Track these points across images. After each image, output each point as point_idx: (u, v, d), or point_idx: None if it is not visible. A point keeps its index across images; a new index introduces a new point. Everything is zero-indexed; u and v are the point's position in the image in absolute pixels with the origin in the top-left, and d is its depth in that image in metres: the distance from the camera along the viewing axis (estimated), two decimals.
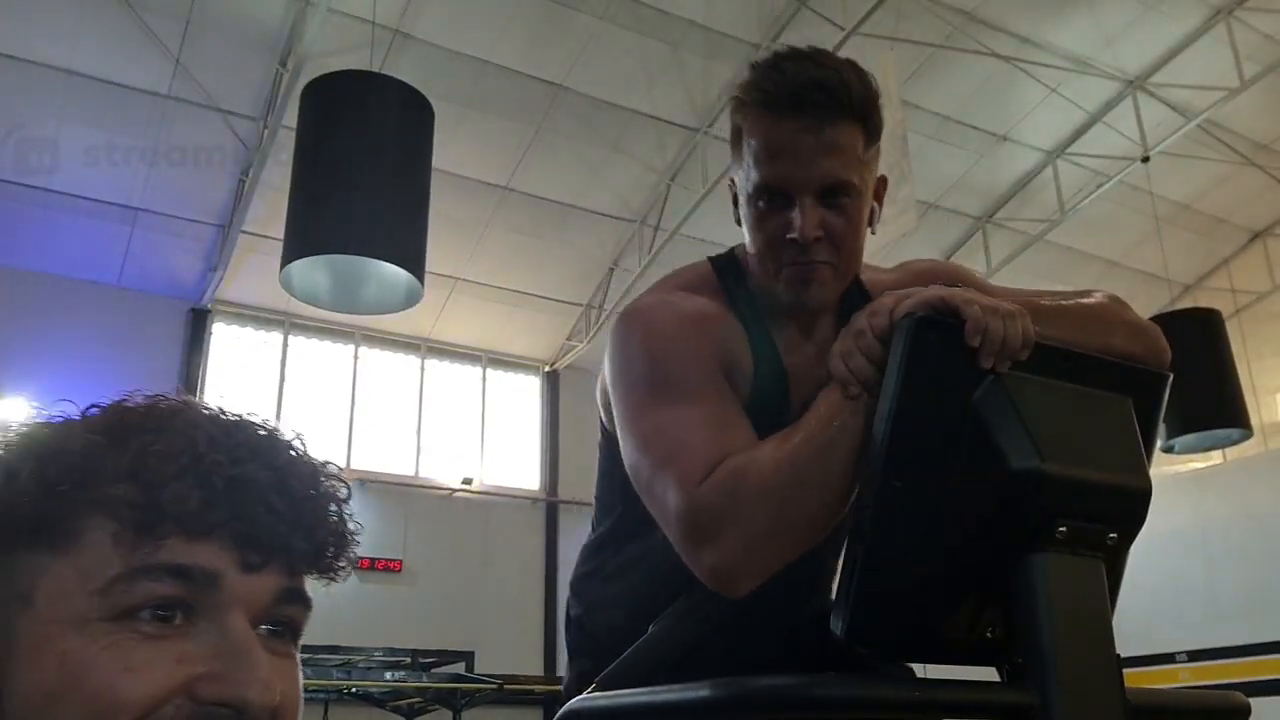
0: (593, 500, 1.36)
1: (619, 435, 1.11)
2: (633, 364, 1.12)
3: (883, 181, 1.19)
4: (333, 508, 0.61)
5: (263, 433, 0.61)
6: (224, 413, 0.61)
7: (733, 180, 1.17)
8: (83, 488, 0.54)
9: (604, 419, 1.22)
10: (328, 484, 0.62)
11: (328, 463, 0.63)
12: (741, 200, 1.15)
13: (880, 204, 1.19)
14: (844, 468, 0.94)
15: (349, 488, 0.63)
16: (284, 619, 0.59)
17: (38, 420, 0.59)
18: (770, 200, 1.10)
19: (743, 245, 1.22)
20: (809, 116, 1.07)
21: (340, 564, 0.63)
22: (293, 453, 0.61)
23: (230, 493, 0.55)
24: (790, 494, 0.94)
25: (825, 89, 1.07)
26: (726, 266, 1.22)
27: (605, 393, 1.17)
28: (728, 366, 1.12)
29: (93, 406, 0.60)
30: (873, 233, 1.18)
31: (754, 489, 0.94)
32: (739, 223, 1.17)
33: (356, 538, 0.63)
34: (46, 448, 0.56)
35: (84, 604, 0.52)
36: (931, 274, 1.26)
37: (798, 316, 1.18)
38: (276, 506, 0.57)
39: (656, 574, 1.12)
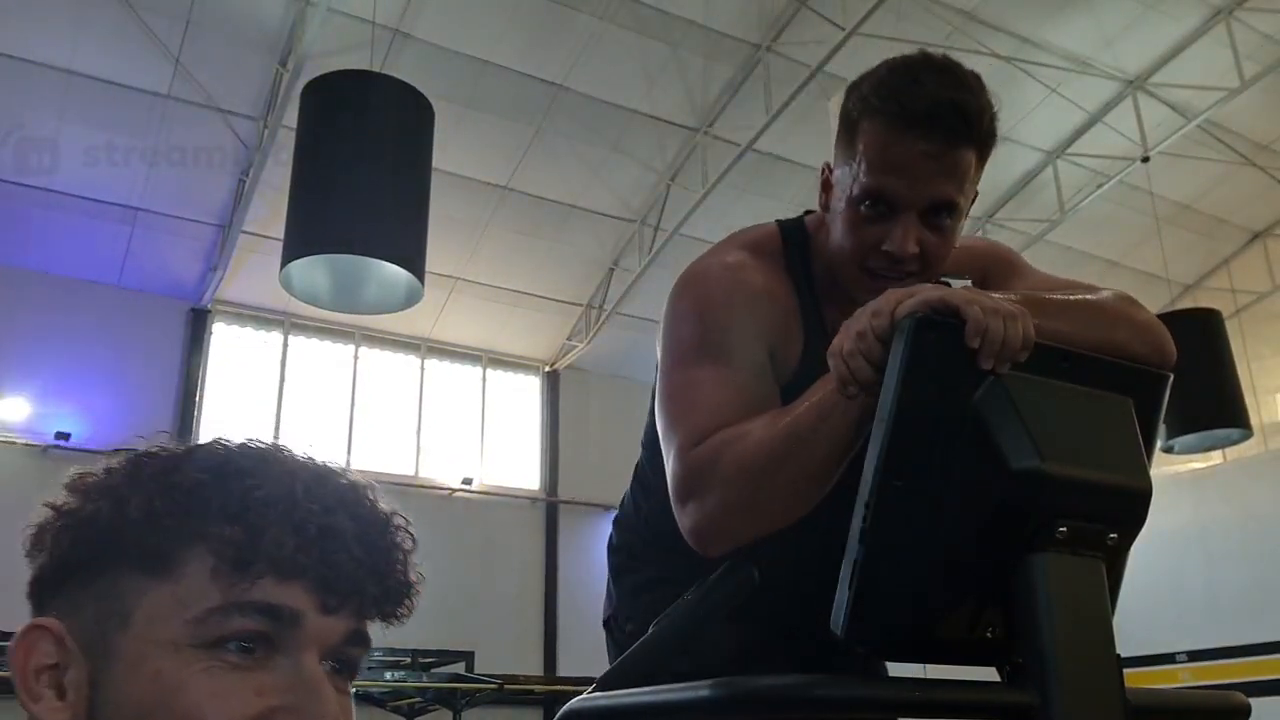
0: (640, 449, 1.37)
1: (656, 383, 1.15)
2: (681, 325, 1.15)
3: (975, 195, 1.18)
4: (401, 557, 0.67)
5: (345, 482, 0.65)
6: (313, 460, 0.65)
7: (828, 167, 1.17)
8: (188, 522, 0.58)
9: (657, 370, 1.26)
10: (398, 535, 0.67)
11: (396, 513, 0.68)
12: (839, 195, 1.14)
13: (967, 214, 1.19)
14: (823, 457, 0.97)
15: (414, 539, 0.69)
16: (348, 658, 0.65)
17: (144, 449, 0.63)
18: (874, 207, 1.10)
19: (814, 216, 1.22)
20: (938, 140, 1.06)
21: (403, 610, 0.70)
22: (370, 502, 0.66)
23: (320, 539, 0.60)
24: (765, 473, 0.98)
25: (962, 114, 1.06)
26: (794, 236, 1.22)
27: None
28: (775, 342, 1.14)
29: (197, 445, 0.63)
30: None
31: (732, 462, 0.99)
32: (824, 209, 1.17)
33: (419, 586, 0.69)
34: (155, 480, 0.60)
35: (179, 630, 0.57)
36: (980, 251, 1.29)
37: (852, 296, 1.18)
38: (356, 554, 0.62)
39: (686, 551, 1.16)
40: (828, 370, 1.13)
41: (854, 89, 1.12)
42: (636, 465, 1.39)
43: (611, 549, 1.42)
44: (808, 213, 1.28)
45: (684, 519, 1.03)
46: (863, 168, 1.10)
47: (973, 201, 1.19)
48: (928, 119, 1.05)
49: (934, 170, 1.07)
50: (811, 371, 1.13)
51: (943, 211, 1.09)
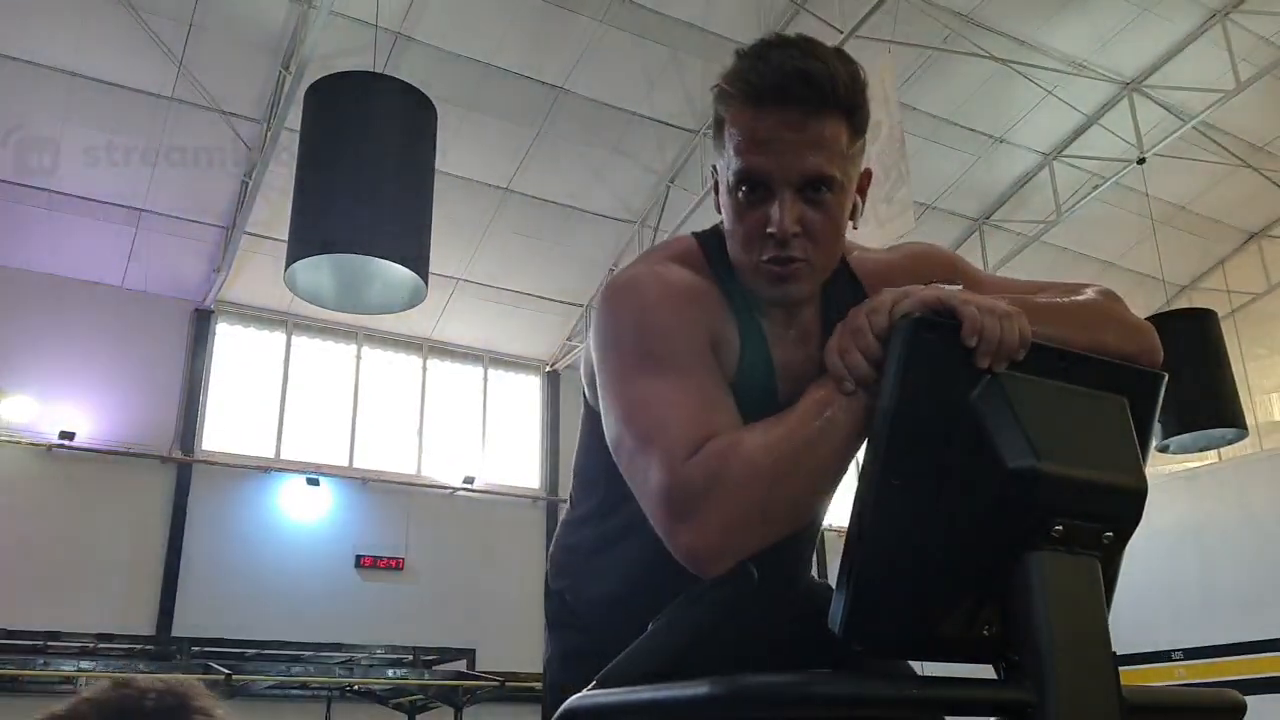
0: (573, 478, 1.34)
1: (601, 406, 1.09)
2: (619, 334, 1.09)
3: (867, 175, 1.15)
4: None
5: None
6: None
7: (715, 168, 1.15)
8: None
9: (587, 393, 1.21)
10: None
11: None
12: (722, 189, 1.12)
13: (864, 198, 1.16)
14: (829, 459, 0.95)
15: None
16: None
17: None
18: (751, 191, 1.08)
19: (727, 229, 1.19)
20: (793, 109, 1.04)
21: None
22: None
23: None
24: (775, 480, 0.93)
25: (811, 81, 1.04)
26: (712, 243, 1.18)
27: (590, 366, 1.15)
28: (714, 343, 1.10)
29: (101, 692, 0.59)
30: (854, 227, 1.15)
31: (737, 472, 0.93)
32: (719, 210, 1.15)
33: None
34: None
35: None
36: (924, 257, 1.25)
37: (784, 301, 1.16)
38: None
39: (640, 550, 1.10)
40: (766, 373, 1.14)
41: (716, 86, 1.11)
42: (570, 494, 1.34)
43: (546, 592, 1.37)
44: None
45: (681, 538, 0.94)
46: (732, 154, 1.08)
47: (866, 181, 1.15)
48: (778, 90, 1.04)
49: (797, 141, 1.04)
50: (750, 375, 1.12)
51: (820, 185, 1.06)
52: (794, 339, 1.17)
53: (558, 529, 1.38)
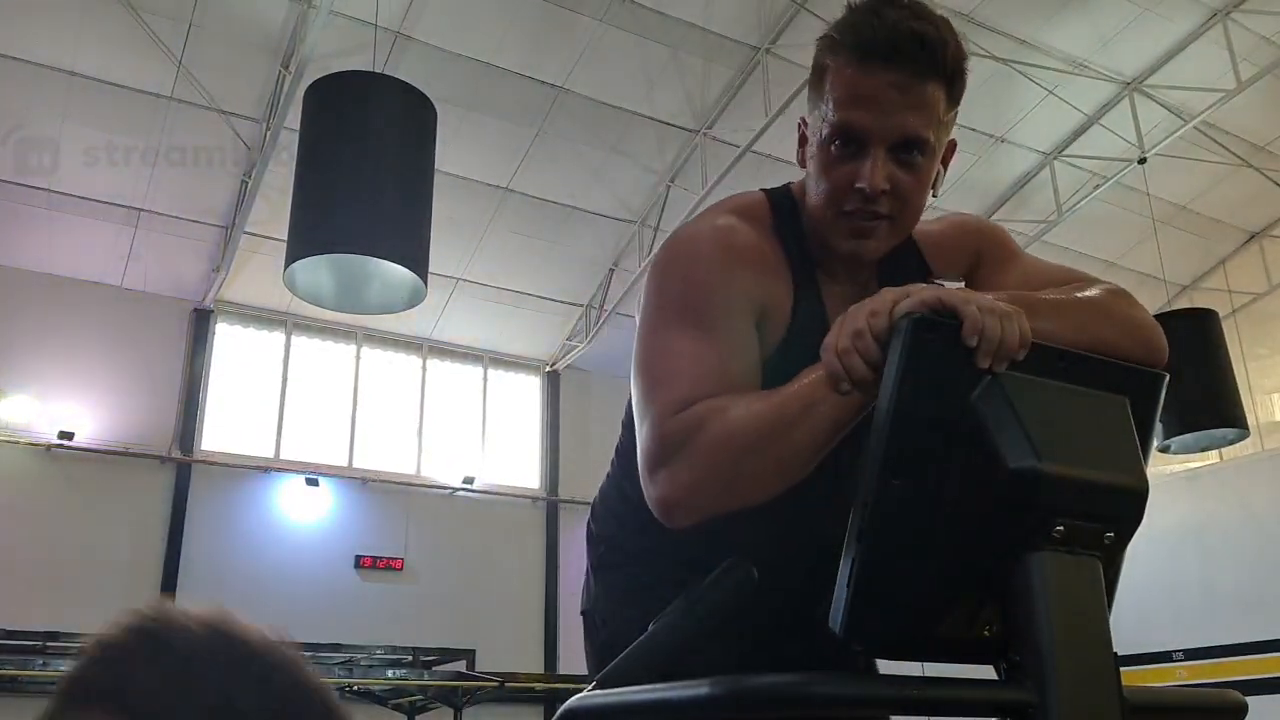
0: (620, 429, 1.34)
1: (634, 346, 1.12)
2: (665, 284, 1.12)
3: (953, 146, 1.17)
4: None
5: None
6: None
7: (804, 120, 1.16)
8: None
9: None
10: None
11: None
12: (813, 141, 1.13)
13: (946, 168, 1.17)
14: (803, 444, 0.97)
15: None
16: None
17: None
18: (844, 145, 1.09)
19: (799, 183, 1.21)
20: (901, 70, 1.05)
21: None
22: None
23: None
24: (743, 452, 0.97)
25: (924, 43, 1.05)
26: (782, 202, 1.20)
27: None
28: (763, 306, 1.12)
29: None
30: (934, 195, 1.17)
31: (711, 436, 0.98)
32: (802, 164, 1.16)
33: None
34: None
35: None
36: (972, 229, 1.30)
37: (846, 263, 1.18)
38: None
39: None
40: (820, 331, 1.11)
41: (824, 36, 1.12)
42: (617, 446, 1.35)
43: (591, 538, 1.39)
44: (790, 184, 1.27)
45: (653, 487, 1.01)
46: (830, 107, 1.09)
47: (950, 152, 1.17)
48: (889, 49, 1.05)
49: (900, 102, 1.06)
50: (803, 335, 1.13)
51: (913, 148, 1.08)
52: (852, 299, 1.18)
53: (606, 476, 1.39)
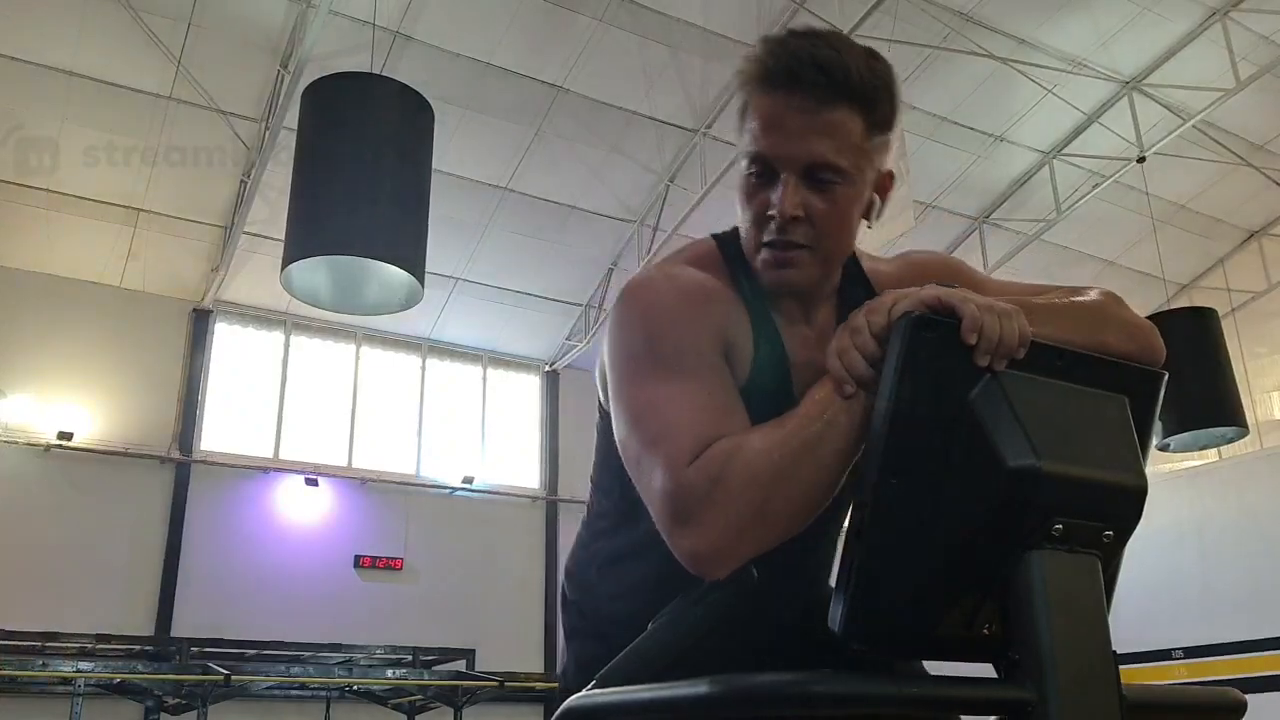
0: (589, 484, 1.34)
1: (612, 410, 1.09)
2: (631, 338, 1.09)
3: (888, 177, 1.16)
4: None
5: None
6: None
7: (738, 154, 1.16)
8: None
9: (601, 398, 1.21)
10: None
11: None
12: (738, 173, 1.13)
13: (884, 199, 1.16)
14: (831, 462, 0.95)
15: None
16: None
17: None
18: (759, 174, 1.09)
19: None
20: (804, 94, 1.05)
21: None
22: None
23: None
24: (775, 483, 0.94)
25: (824, 69, 1.05)
26: (731, 243, 1.19)
27: (603, 370, 1.15)
28: (727, 346, 1.10)
29: None
30: (868, 226, 1.16)
31: (739, 475, 0.94)
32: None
33: None
34: None
35: None
36: (931, 265, 1.26)
37: (798, 300, 1.17)
38: None
39: (656, 564, 1.09)
40: (781, 372, 1.13)
41: (738, 70, 1.12)
42: (587, 504, 1.33)
43: (563, 604, 1.36)
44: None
45: (684, 541, 0.95)
46: (748, 137, 1.10)
47: (887, 183, 1.15)
48: (789, 74, 1.06)
49: (804, 126, 1.06)
50: (765, 373, 1.12)
51: (825, 173, 1.07)
52: (811, 337, 1.17)
53: (576, 539, 1.38)
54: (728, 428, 0.99)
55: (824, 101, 1.05)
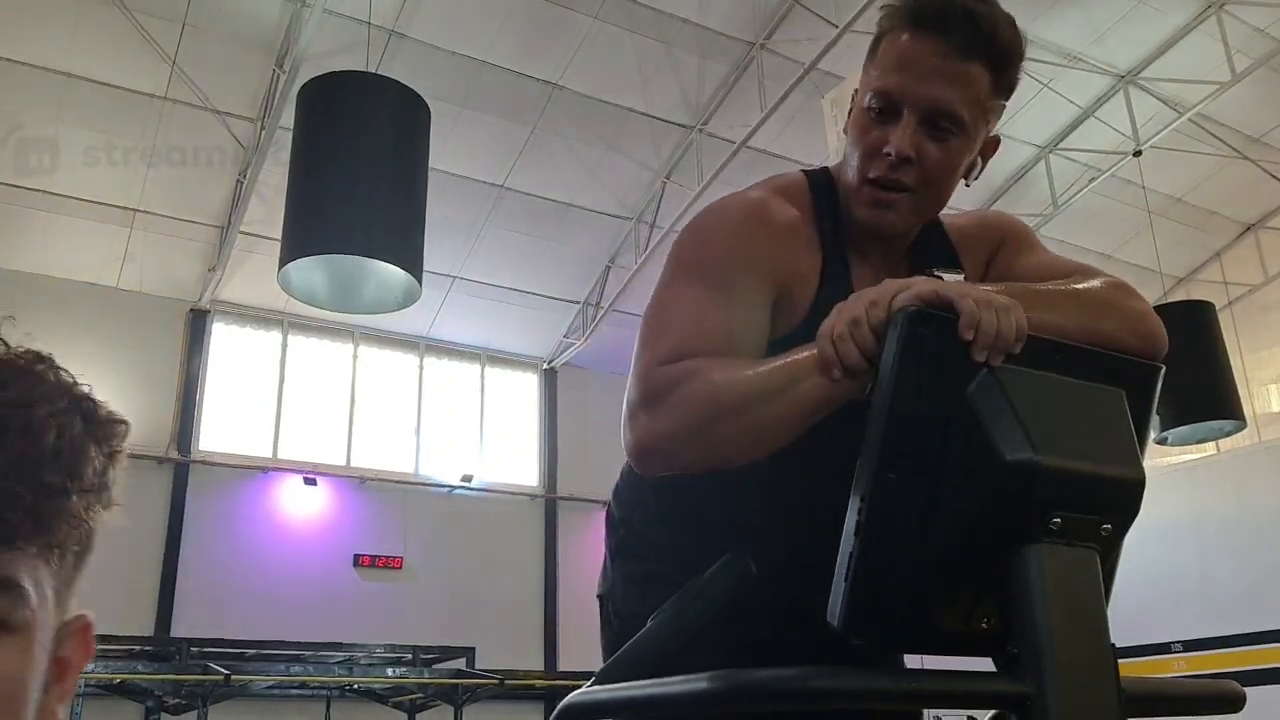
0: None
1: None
2: (688, 244, 1.15)
3: (995, 142, 1.19)
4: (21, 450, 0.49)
5: None
6: None
7: (856, 90, 1.18)
8: None
9: None
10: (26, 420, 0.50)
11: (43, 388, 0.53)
12: (856, 107, 1.15)
13: (985, 162, 1.19)
14: (779, 421, 0.98)
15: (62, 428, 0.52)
16: None
17: None
18: (880, 110, 1.11)
19: (838, 164, 1.22)
20: (947, 41, 1.07)
21: (30, 527, 0.49)
22: None
23: None
24: (719, 411, 0.99)
25: (972, 19, 1.07)
26: (820, 182, 1.22)
27: None
28: (786, 283, 1.13)
29: None
30: (967, 184, 1.19)
31: (692, 391, 1.00)
32: (845, 133, 1.18)
33: (72, 493, 0.52)
34: None
35: None
36: (994, 225, 1.30)
37: (878, 240, 1.18)
38: None
39: (710, 490, 1.17)
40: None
41: (885, 5, 1.14)
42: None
43: (610, 523, 1.38)
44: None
45: (629, 431, 1.04)
46: (874, 73, 1.12)
47: (992, 148, 1.18)
48: (939, 18, 1.08)
49: (937, 70, 1.08)
50: (825, 312, 1.12)
51: (944, 120, 1.09)
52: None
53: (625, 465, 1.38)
54: (715, 348, 1.04)
55: (963, 51, 1.08)
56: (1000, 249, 1.27)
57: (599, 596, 1.37)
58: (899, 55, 1.09)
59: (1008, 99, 1.14)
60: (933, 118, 1.09)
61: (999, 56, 1.09)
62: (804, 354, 0.98)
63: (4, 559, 0.48)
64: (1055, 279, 1.15)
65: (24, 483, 0.48)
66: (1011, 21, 1.11)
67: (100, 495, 0.55)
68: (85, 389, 0.56)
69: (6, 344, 0.55)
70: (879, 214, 1.13)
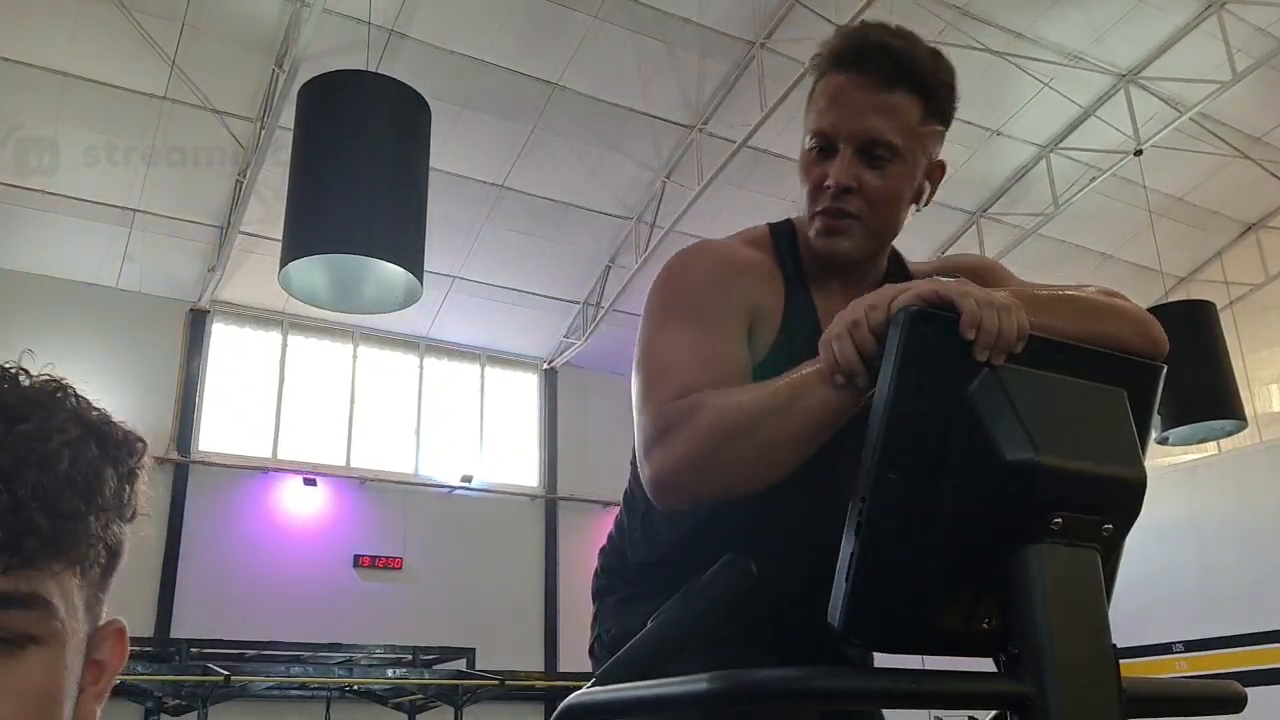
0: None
1: (635, 353, 1.19)
2: (665, 290, 1.20)
3: (940, 167, 1.24)
4: (36, 475, 0.52)
5: None
6: None
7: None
8: None
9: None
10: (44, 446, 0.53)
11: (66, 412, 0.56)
12: (801, 150, 1.22)
13: (934, 187, 1.25)
14: (793, 436, 1.00)
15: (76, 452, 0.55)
16: None
17: None
18: (821, 148, 1.18)
19: (800, 215, 1.28)
20: (868, 74, 1.14)
21: (53, 550, 0.52)
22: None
23: None
24: (729, 436, 1.02)
25: (890, 54, 1.14)
26: (782, 230, 1.29)
27: None
28: (756, 311, 1.19)
29: None
30: (917, 210, 1.24)
31: (705, 421, 1.03)
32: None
33: (92, 514, 0.55)
34: None
35: None
36: (968, 268, 1.29)
37: (840, 279, 1.24)
38: None
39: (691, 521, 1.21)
40: (805, 349, 1.13)
41: (814, 55, 1.22)
42: (625, 491, 1.39)
43: (595, 575, 1.44)
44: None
45: (647, 466, 1.06)
46: (811, 116, 1.20)
47: (939, 173, 1.23)
48: (857, 57, 1.15)
49: (863, 103, 1.15)
50: (793, 339, 1.19)
51: (878, 149, 1.15)
52: None
53: (616, 518, 1.44)
54: (717, 380, 1.07)
55: (885, 82, 1.15)
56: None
57: (590, 648, 1.42)
58: (829, 96, 1.17)
59: (945, 125, 1.21)
60: (867, 148, 1.15)
61: (922, 84, 1.16)
62: (807, 369, 1.00)
63: (27, 577, 0.52)
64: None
65: (43, 510, 0.52)
66: (934, 54, 1.19)
67: (119, 512, 0.60)
68: (100, 413, 0.61)
69: (29, 373, 0.59)
70: (832, 241, 1.20)
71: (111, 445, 0.60)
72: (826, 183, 1.17)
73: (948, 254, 8.92)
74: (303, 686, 8.47)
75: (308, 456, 9.75)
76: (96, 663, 0.58)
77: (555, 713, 1.01)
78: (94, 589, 0.58)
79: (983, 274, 1.28)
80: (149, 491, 0.60)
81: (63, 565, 0.54)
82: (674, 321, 1.15)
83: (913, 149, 1.17)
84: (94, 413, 0.60)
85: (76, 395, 0.60)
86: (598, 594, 1.42)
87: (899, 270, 1.29)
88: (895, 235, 1.25)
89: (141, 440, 0.63)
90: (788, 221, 1.30)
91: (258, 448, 9.61)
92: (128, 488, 0.61)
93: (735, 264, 1.21)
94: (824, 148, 1.18)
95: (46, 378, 0.59)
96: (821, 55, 1.20)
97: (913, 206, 1.23)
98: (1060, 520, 0.85)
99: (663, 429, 1.05)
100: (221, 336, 9.74)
